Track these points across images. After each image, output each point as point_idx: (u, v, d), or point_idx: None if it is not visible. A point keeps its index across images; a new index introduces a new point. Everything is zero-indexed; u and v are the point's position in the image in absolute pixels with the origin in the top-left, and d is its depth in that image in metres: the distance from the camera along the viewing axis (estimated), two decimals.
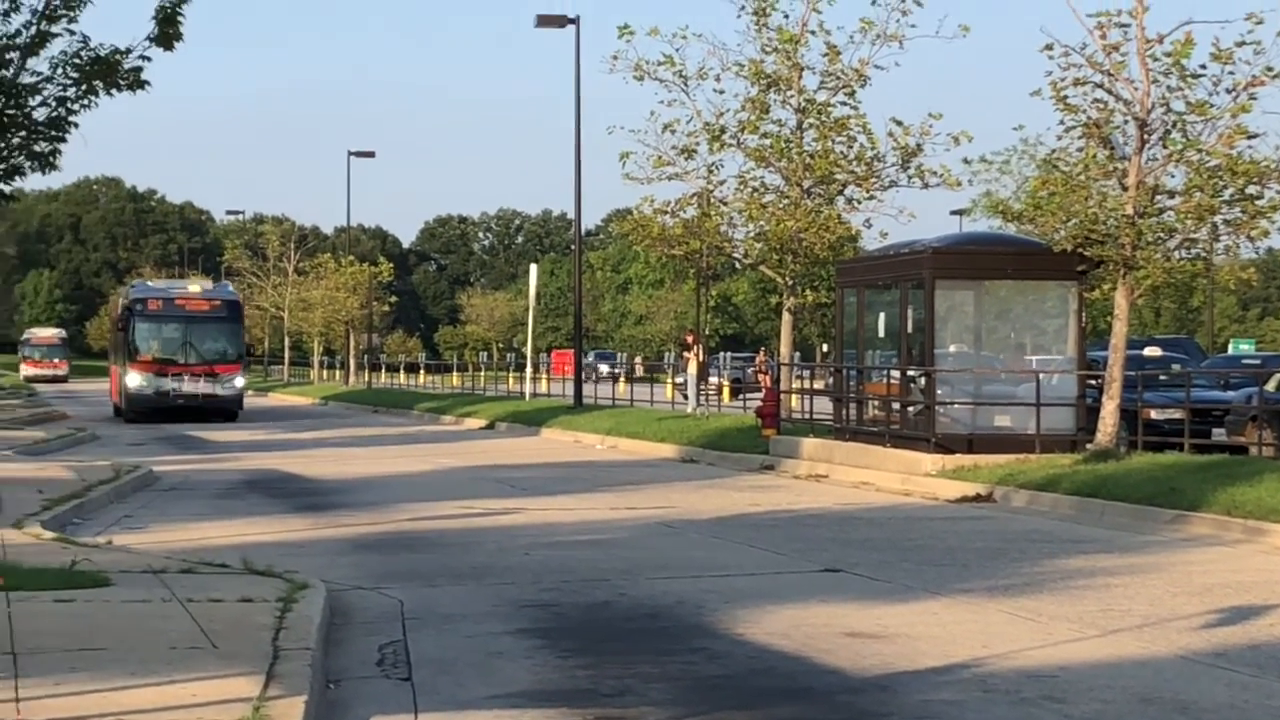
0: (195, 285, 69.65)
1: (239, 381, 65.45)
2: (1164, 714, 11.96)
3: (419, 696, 12.49)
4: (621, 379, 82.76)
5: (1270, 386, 35.58)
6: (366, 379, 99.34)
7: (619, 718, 11.80)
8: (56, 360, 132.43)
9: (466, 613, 16.34)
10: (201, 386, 62.66)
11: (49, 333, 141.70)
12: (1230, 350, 70.01)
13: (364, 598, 17.27)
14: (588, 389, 65.06)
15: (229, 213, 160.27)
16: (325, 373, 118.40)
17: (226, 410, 64.12)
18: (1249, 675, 13.38)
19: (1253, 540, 22.70)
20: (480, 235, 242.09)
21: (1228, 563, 20.61)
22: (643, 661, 13.90)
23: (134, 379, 62.20)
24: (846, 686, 13.00)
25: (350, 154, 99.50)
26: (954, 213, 79.73)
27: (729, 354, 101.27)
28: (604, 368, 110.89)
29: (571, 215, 62.50)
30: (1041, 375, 33.10)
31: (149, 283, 74.68)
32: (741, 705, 12.28)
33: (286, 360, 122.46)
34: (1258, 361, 50.56)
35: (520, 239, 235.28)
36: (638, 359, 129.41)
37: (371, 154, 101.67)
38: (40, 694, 11.06)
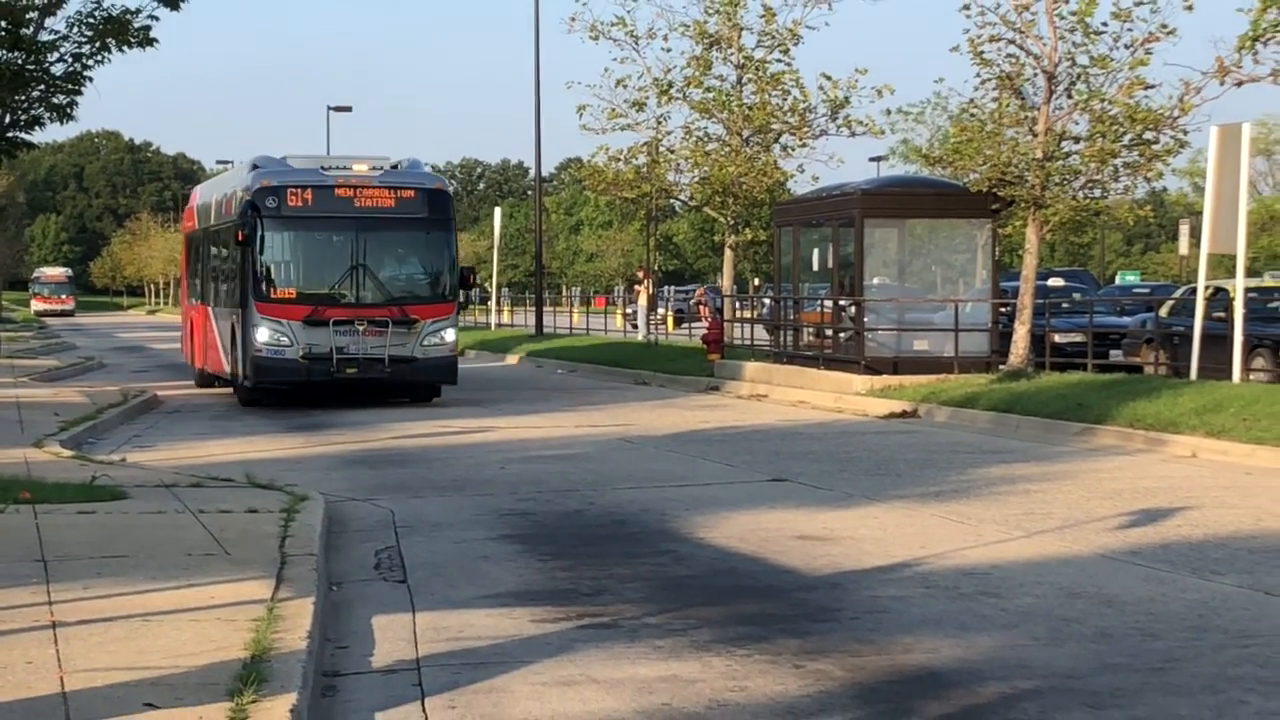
0: (365, 164, 32.47)
1: (449, 334, 32.18)
2: (1091, 606, 11.87)
3: (415, 597, 12.34)
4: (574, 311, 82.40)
5: (1163, 312, 35.63)
6: None
7: (599, 613, 11.66)
8: (64, 296, 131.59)
9: (452, 521, 16.19)
10: (388, 342, 31.05)
11: (56, 271, 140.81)
12: (1119, 281, 70.14)
13: (358, 508, 17.11)
14: (547, 319, 64.81)
15: (219, 162, 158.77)
16: None
17: (428, 383, 32.66)
18: (1164, 571, 13.31)
19: (1153, 450, 22.71)
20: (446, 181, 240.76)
21: (1133, 470, 20.59)
22: (616, 564, 13.78)
23: (263, 331, 30.82)
24: (802, 584, 12.89)
25: (329, 109, 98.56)
26: (873, 159, 79.61)
27: (672, 288, 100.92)
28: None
29: (529, 164, 61.98)
30: (959, 303, 33.16)
31: (287, 159, 33.57)
32: (709, 602, 12.15)
33: None
34: (1147, 290, 50.69)
35: (482, 185, 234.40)
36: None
37: (349, 109, 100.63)
38: (70, 597, 10.88)
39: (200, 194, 41.26)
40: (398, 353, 30.86)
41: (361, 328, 30.63)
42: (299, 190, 30.78)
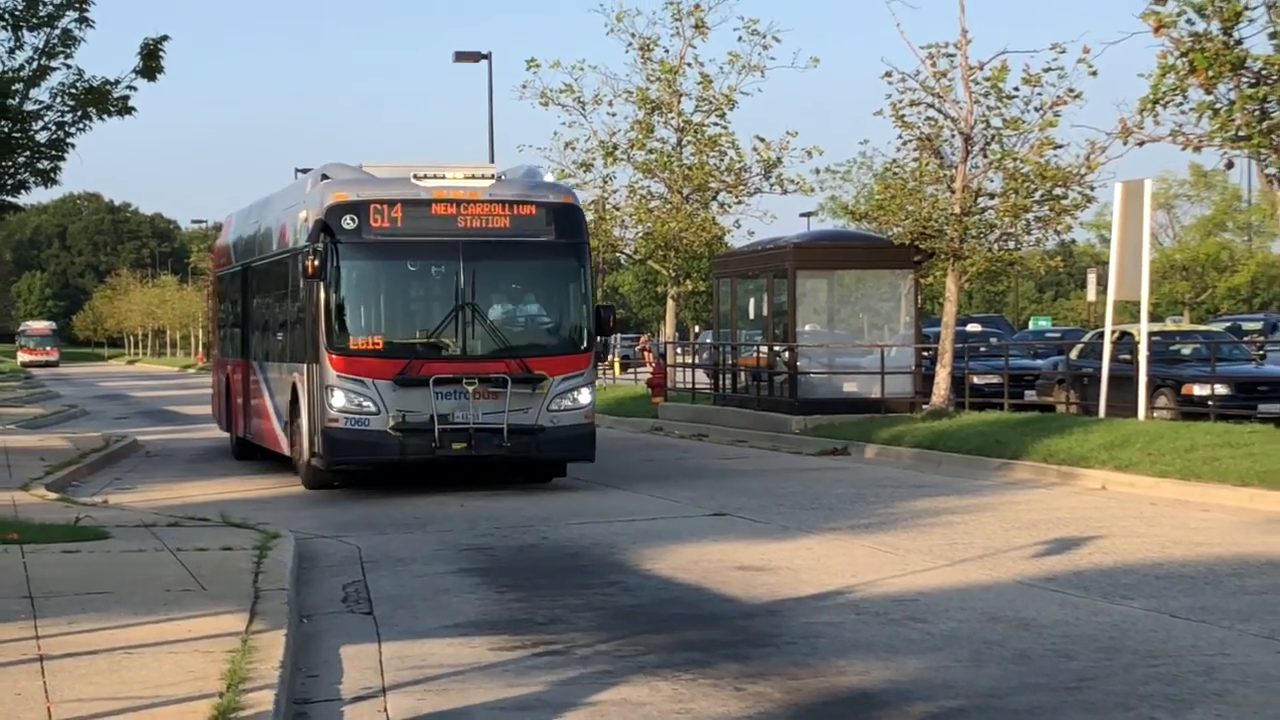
0: (465, 172, 22.74)
1: (584, 394, 22.59)
2: (1010, 629, 11.89)
3: (380, 628, 12.28)
4: None
5: (1073, 355, 35.77)
6: None
7: (553, 641, 11.62)
8: (48, 348, 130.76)
9: (415, 556, 16.12)
10: (507, 407, 21.74)
11: (41, 325, 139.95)
12: (1032, 326, 70.42)
13: (326, 544, 17.03)
14: None
15: (194, 221, 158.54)
16: None
17: (553, 459, 23.01)
18: (1078, 596, 13.34)
19: (1066, 483, 22.76)
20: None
21: (1047, 502, 20.63)
22: (568, 594, 13.74)
23: (339, 394, 21.67)
24: (742, 612, 12.88)
25: (296, 170, 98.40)
26: (803, 215, 79.78)
27: (619, 335, 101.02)
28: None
29: None
30: (884, 348, 33.33)
31: (367, 169, 23.54)
32: (656, 630, 12.12)
33: None
34: (1058, 335, 50.86)
35: None
36: None
37: (308, 170, 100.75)
38: (56, 631, 10.80)
39: (237, 223, 31.17)
40: (519, 420, 21.59)
41: (471, 388, 21.43)
42: (385, 206, 21.74)
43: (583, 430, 22.28)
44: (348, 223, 21.62)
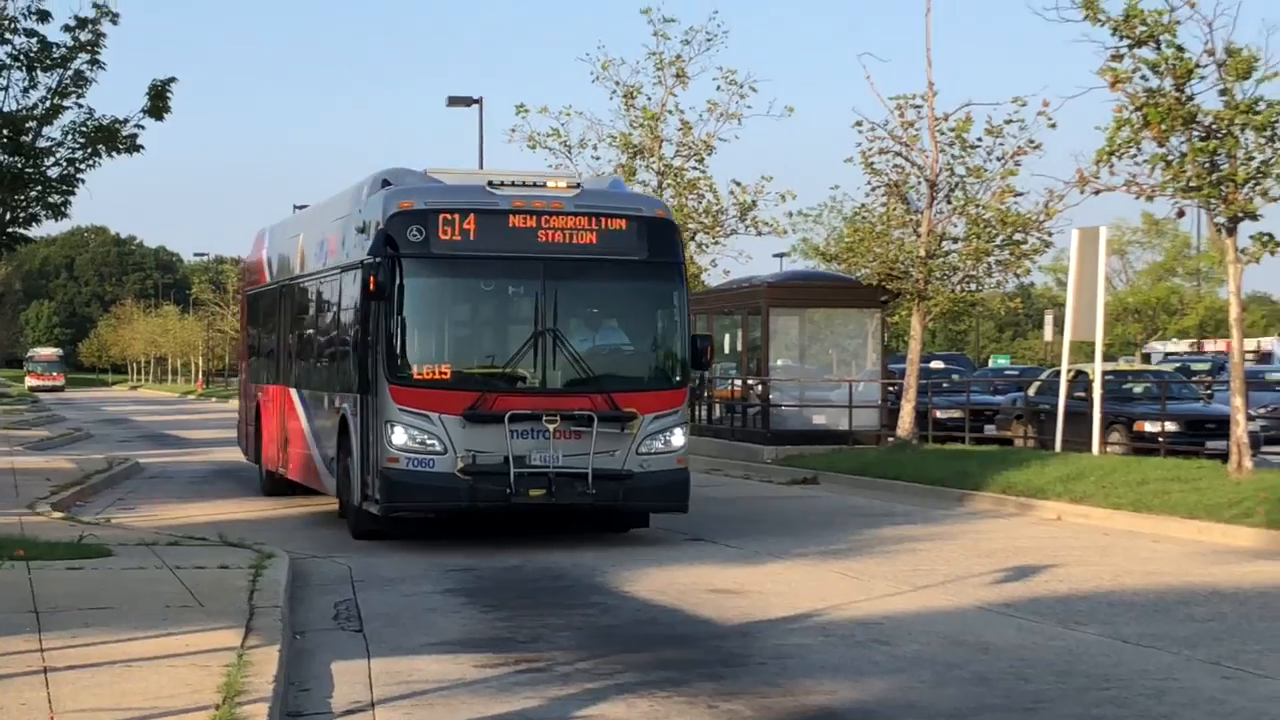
0: (540, 179, 19.48)
1: (677, 435, 18.72)
2: (971, 653, 11.88)
3: (370, 645, 12.23)
4: None
5: (1031, 392, 35.84)
6: None
7: (535, 659, 11.58)
8: (55, 373, 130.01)
9: (403, 576, 16.07)
10: (592, 449, 17.98)
11: (49, 351, 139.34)
12: (992, 364, 70.51)
13: (319, 564, 16.95)
14: None
15: (196, 254, 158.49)
16: None
17: (641, 508, 19.23)
18: (1033, 621, 13.35)
19: (1024, 513, 22.79)
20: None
21: (1006, 531, 20.63)
22: (550, 614, 13.71)
23: (400, 430, 17.98)
24: (715, 633, 12.87)
25: (295, 207, 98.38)
26: (776, 255, 79.90)
27: None
28: None
29: None
30: (852, 383, 33.41)
31: (434, 174, 19.79)
32: (633, 649, 12.10)
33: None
34: (1017, 372, 50.96)
35: None
36: None
37: (303, 207, 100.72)
38: (60, 645, 10.74)
39: (273, 238, 27.22)
40: (605, 464, 18.02)
41: (552, 426, 17.87)
42: (456, 216, 18.20)
43: (675, 477, 18.60)
44: (413, 234, 18.07)
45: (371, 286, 17.86)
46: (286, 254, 25.23)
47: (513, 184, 18.71)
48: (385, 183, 19.20)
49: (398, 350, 18.09)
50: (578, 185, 19.11)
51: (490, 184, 18.65)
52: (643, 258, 18.77)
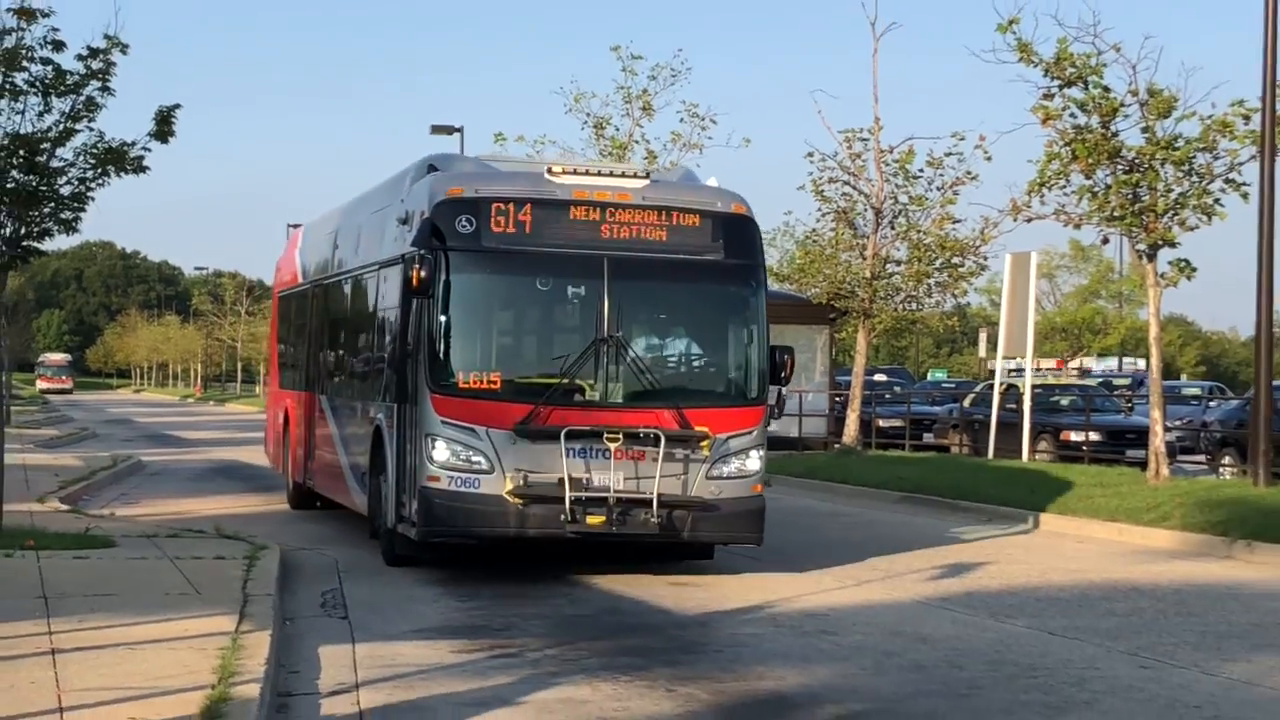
0: (605, 167, 16.43)
1: (753, 459, 15.36)
2: (909, 643, 11.91)
3: (355, 631, 12.17)
4: None
5: (966, 403, 35.97)
6: None
7: (508, 645, 11.56)
8: (64, 377, 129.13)
9: (386, 568, 15.96)
10: (659, 472, 14.58)
11: (58, 357, 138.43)
12: (930, 377, 70.69)
13: (309, 555, 16.86)
14: None
15: (196, 268, 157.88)
16: (267, 388, 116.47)
17: (711, 541, 15.72)
18: (967, 614, 13.39)
19: (958, 516, 22.81)
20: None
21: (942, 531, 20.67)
22: (521, 605, 13.65)
23: (441, 445, 14.61)
24: (675, 622, 12.87)
25: (289, 225, 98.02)
26: None
27: None
28: None
29: None
30: (802, 393, 33.44)
31: (488, 160, 17.20)
32: (598, 636, 12.07)
33: (238, 379, 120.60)
34: (953, 385, 51.09)
35: None
36: None
37: (299, 225, 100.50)
38: (67, 628, 10.66)
39: (308, 234, 24.02)
40: (672, 490, 14.80)
41: (614, 445, 14.58)
42: (511, 206, 15.01)
43: (750, 504, 15.24)
44: (463, 225, 14.79)
45: (415, 282, 14.59)
46: (321, 251, 21.89)
47: (575, 172, 15.49)
48: (432, 168, 16.04)
49: (441, 355, 14.76)
50: (647, 175, 15.83)
51: (550, 171, 15.36)
52: (718, 258, 15.40)
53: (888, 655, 11.41)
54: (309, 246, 23.29)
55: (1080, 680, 10.62)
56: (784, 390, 15.78)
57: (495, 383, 14.75)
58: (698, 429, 14.77)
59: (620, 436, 14.50)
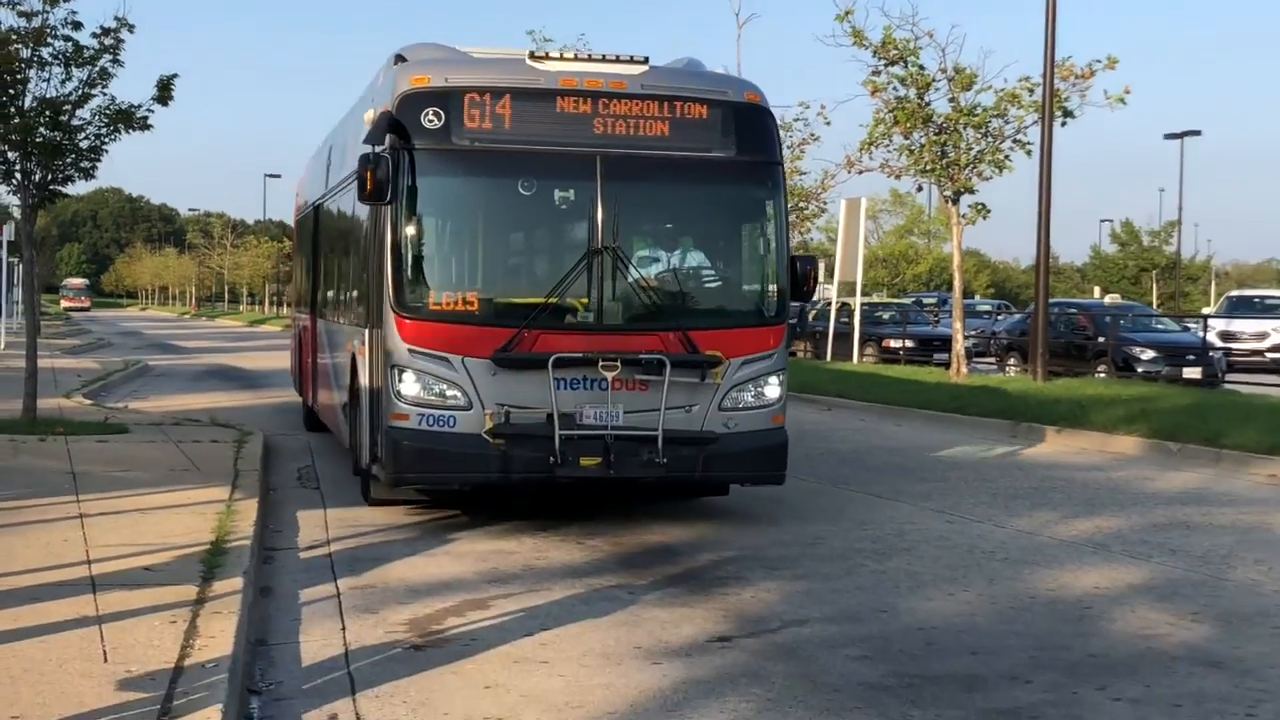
0: (602, 60, 9.87)
1: (772, 386, 10.39)
2: (767, 505, 11.96)
3: (326, 500, 12.04)
4: None
5: (810, 317, 36.06)
6: (276, 310, 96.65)
7: (451, 514, 11.47)
8: (83, 298, 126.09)
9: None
10: (663, 403, 9.77)
11: (78, 281, 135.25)
12: None
13: (287, 439, 16.64)
14: None
15: (190, 209, 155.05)
16: (249, 307, 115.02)
17: (726, 479, 10.79)
18: (811, 482, 13.45)
19: (805, 406, 22.92)
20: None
21: (789, 415, 20.76)
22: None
23: (410, 376, 9.72)
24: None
25: (265, 175, 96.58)
26: None
27: None
28: None
29: None
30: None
31: (461, 47, 10.78)
32: (534, 507, 12.02)
33: (225, 300, 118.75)
34: (799, 305, 51.44)
35: None
36: None
37: (279, 175, 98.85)
38: (92, 498, 10.49)
39: (313, 158, 18.30)
40: (680, 425, 10.23)
41: (610, 373, 10.03)
42: (487, 98, 10.13)
43: (771, 439, 10.75)
44: (429, 120, 10.07)
45: (369, 186, 10.01)
46: (316, 171, 17.23)
47: (562, 57, 10.71)
48: (400, 59, 10.95)
49: (409, 273, 10.14)
50: (645, 60, 10.64)
51: (533, 56, 10.54)
52: (730, 155, 10.64)
53: (752, 515, 11.50)
54: (310, 170, 18.61)
55: (900, 532, 10.78)
56: (806, 305, 11.93)
57: (471, 303, 10.13)
58: (708, 353, 10.26)
59: (618, 364, 10.02)
